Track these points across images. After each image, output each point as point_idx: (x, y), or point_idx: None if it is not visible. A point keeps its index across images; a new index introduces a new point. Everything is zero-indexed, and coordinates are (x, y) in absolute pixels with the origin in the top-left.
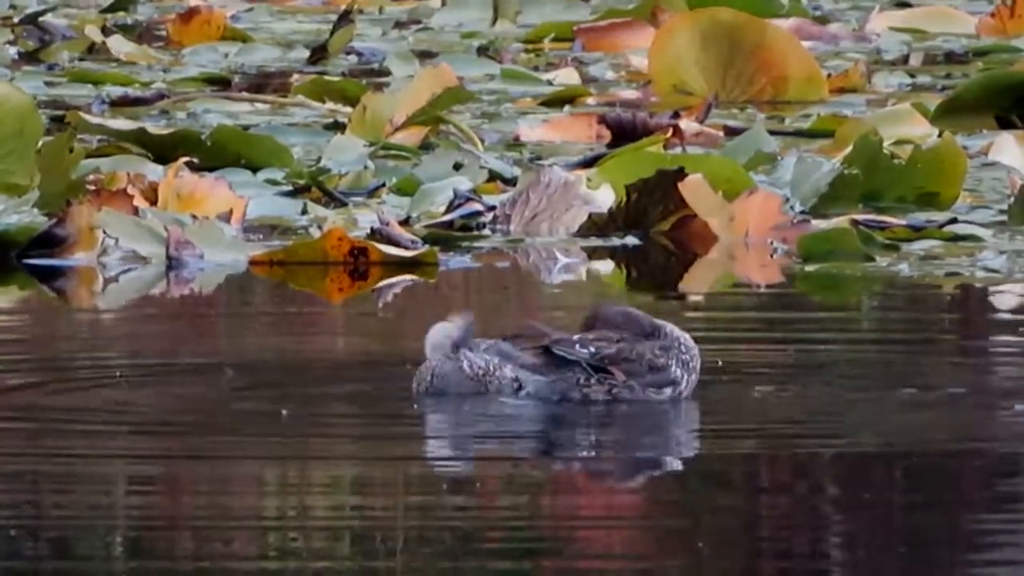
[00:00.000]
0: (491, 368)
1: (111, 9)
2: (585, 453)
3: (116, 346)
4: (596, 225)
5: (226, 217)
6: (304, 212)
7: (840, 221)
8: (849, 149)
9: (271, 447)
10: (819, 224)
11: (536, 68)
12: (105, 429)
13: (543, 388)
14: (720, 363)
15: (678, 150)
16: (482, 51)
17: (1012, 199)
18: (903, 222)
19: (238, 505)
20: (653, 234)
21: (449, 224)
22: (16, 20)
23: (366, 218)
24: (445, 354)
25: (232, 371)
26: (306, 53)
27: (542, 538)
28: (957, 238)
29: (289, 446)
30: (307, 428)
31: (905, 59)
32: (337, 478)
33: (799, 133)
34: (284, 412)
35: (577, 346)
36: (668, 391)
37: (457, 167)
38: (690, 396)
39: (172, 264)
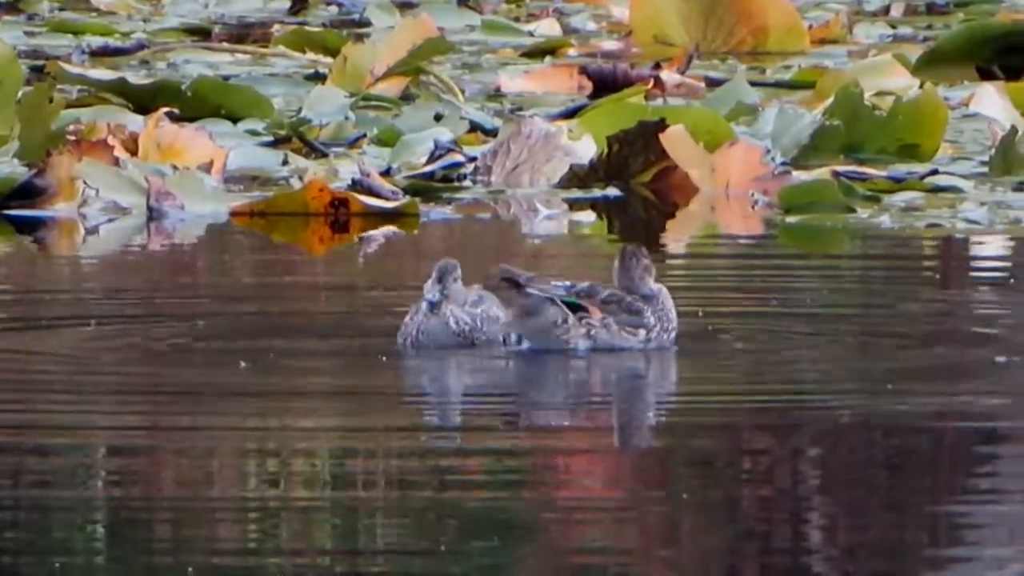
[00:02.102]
0: (477, 323)
1: None
2: (561, 408)
3: (95, 295)
4: (577, 176)
5: (207, 168)
6: (285, 163)
7: (821, 172)
8: (830, 101)
9: (224, 398)
10: (800, 175)
11: (517, 19)
12: (72, 376)
13: (522, 336)
14: (701, 313)
15: (659, 101)
16: (463, 2)
17: (993, 150)
18: (884, 174)
19: (177, 452)
20: (634, 185)
21: (430, 175)
22: None
23: (347, 169)
24: (429, 310)
25: (202, 322)
26: (287, 3)
27: (519, 497)
28: (938, 189)
29: (244, 398)
30: (265, 380)
31: (886, 10)
32: (281, 433)
33: (780, 84)
34: (243, 364)
35: (552, 282)
36: (642, 333)
37: (438, 118)
38: (664, 347)
39: (153, 215)
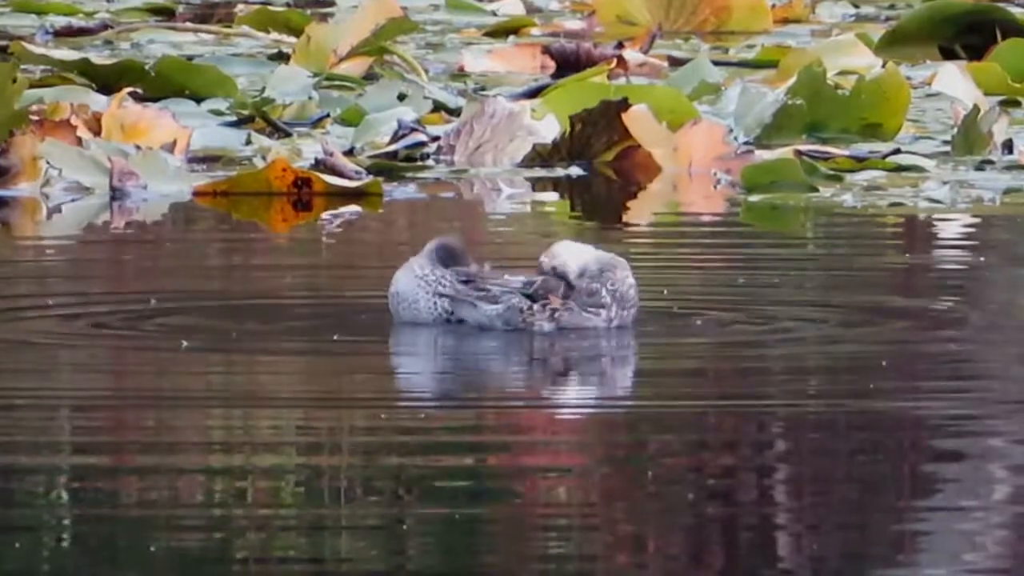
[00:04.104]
0: (439, 275)
1: None
2: (525, 390)
3: (56, 276)
4: (540, 156)
5: (170, 147)
6: (248, 143)
7: (784, 152)
8: (793, 80)
9: (162, 381)
10: (763, 155)
11: None
12: (24, 355)
13: (486, 318)
14: (665, 292)
15: (622, 80)
16: None
17: (955, 129)
18: (847, 153)
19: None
20: (597, 164)
21: (393, 155)
22: None
23: (310, 148)
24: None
25: (155, 300)
26: None
27: (485, 481)
28: (900, 168)
29: (182, 378)
30: (206, 359)
31: None
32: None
33: (743, 64)
34: (183, 344)
35: (506, 275)
36: (603, 312)
37: (401, 98)
38: (628, 326)
39: (116, 195)
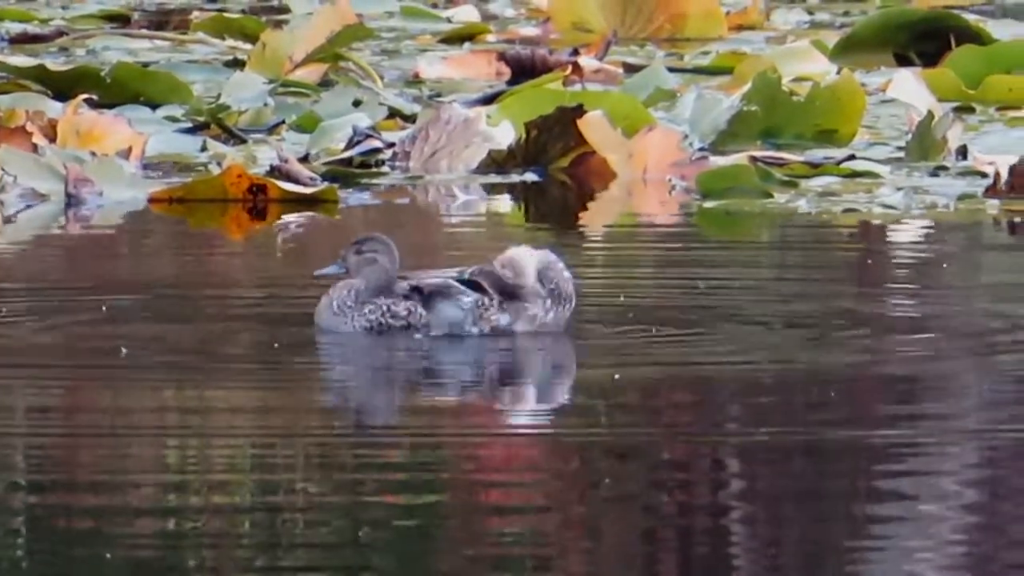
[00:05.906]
0: (355, 304)
1: None
2: (473, 394)
3: (9, 281)
4: (496, 162)
5: (125, 154)
6: (203, 149)
7: (739, 158)
8: (748, 86)
9: (98, 384)
10: (718, 161)
11: (435, 5)
12: None
13: (462, 312)
14: (622, 297)
15: (577, 87)
16: None
17: (910, 136)
18: (801, 159)
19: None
20: (552, 171)
21: (349, 161)
22: None
23: (266, 155)
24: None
25: (107, 307)
26: None
27: (440, 479)
28: (855, 174)
29: (119, 383)
30: (144, 367)
31: None
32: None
33: (698, 70)
34: (124, 350)
35: (442, 270)
36: (539, 302)
37: (357, 104)
38: (559, 321)
39: (71, 201)
